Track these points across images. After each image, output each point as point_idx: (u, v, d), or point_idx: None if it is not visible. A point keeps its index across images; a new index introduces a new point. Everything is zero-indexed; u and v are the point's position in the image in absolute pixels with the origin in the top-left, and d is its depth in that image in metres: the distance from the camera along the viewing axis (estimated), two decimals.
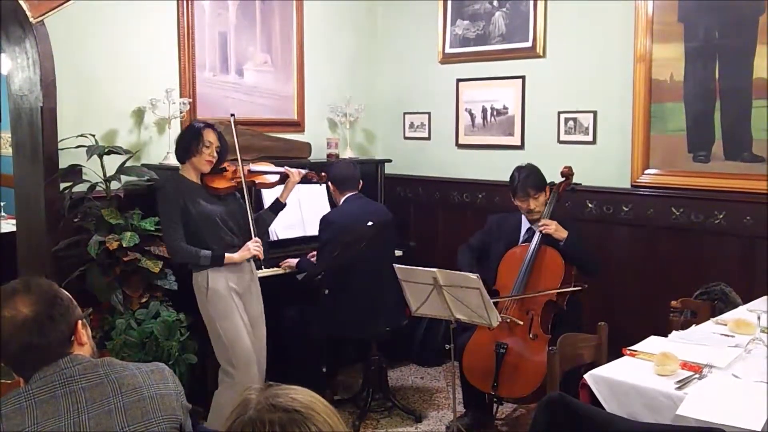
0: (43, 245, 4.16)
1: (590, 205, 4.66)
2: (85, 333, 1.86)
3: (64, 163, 4.16)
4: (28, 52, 4.12)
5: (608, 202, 4.59)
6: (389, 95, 5.78)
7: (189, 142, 3.73)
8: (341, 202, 4.30)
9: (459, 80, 5.34)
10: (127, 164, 4.25)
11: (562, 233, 3.89)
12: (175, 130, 4.59)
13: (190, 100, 4.68)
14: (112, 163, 4.20)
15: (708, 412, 2.30)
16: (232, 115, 4.06)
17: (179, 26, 4.68)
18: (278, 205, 4.04)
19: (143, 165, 4.45)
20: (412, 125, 5.68)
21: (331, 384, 4.56)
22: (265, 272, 4.28)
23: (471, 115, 5.30)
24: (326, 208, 4.56)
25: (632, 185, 4.50)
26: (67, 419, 1.70)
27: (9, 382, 2.22)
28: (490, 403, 4.12)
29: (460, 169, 5.37)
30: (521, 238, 4.12)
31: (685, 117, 4.29)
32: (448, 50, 5.38)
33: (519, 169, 4.09)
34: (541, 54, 4.87)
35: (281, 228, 4.57)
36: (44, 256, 4.15)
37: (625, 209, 4.53)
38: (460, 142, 5.38)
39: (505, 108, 5.11)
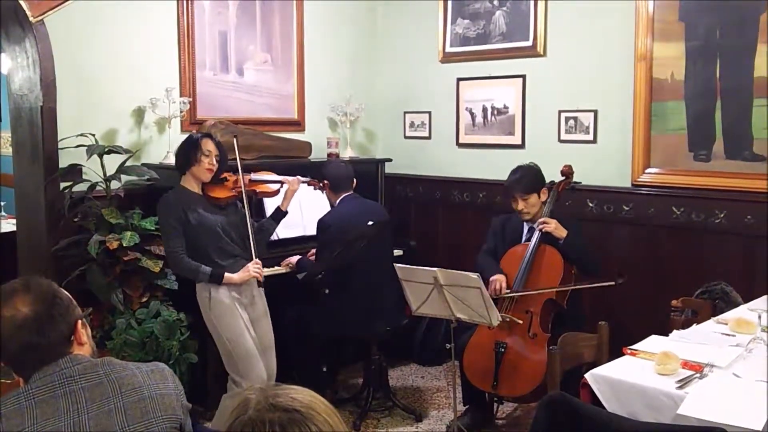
0: (44, 245, 4.16)
1: (591, 204, 4.66)
2: (84, 333, 1.85)
3: (64, 162, 4.16)
4: (28, 52, 4.12)
5: (609, 201, 4.59)
6: (390, 94, 5.77)
7: (187, 152, 3.72)
8: (337, 203, 4.29)
9: (459, 79, 5.33)
10: (127, 164, 4.25)
11: (561, 232, 3.88)
12: (175, 129, 4.60)
13: (190, 99, 4.67)
14: (112, 162, 4.20)
15: (709, 412, 2.29)
16: (235, 136, 4.02)
17: (179, 25, 4.67)
18: (279, 214, 4.02)
19: (143, 164, 4.45)
20: (412, 124, 5.68)
21: (331, 383, 4.56)
22: (266, 272, 4.28)
23: (471, 114, 5.29)
24: (326, 208, 4.55)
25: (633, 184, 4.50)
26: (66, 419, 1.69)
27: (9, 381, 2.22)
28: (490, 403, 4.12)
29: (461, 168, 5.37)
30: (523, 238, 4.11)
31: (685, 116, 4.28)
32: (448, 49, 5.38)
33: (516, 169, 4.08)
34: (542, 53, 4.87)
35: (281, 227, 4.54)
36: (44, 255, 4.15)
37: (626, 208, 4.53)
38: (461, 141, 5.38)
39: (505, 107, 5.10)
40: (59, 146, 4.16)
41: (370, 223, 4.13)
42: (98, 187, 4.15)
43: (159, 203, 3.73)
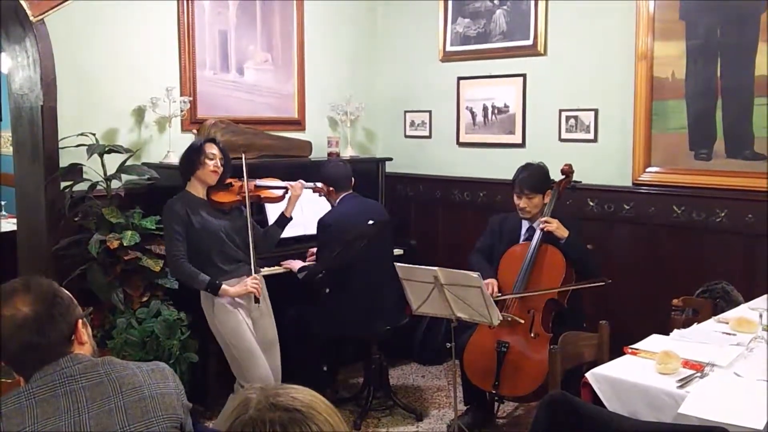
0: (44, 244, 4.16)
1: (591, 204, 4.66)
2: (85, 332, 1.85)
3: (64, 162, 4.16)
4: (29, 51, 4.12)
5: (609, 200, 4.59)
6: (390, 93, 5.77)
7: (191, 157, 3.74)
8: (337, 203, 4.29)
9: (460, 78, 5.33)
10: (128, 163, 4.25)
11: (563, 232, 3.88)
12: (175, 128, 4.60)
13: (191, 98, 4.67)
14: (113, 161, 4.20)
15: (710, 411, 2.29)
16: (244, 151, 4.02)
17: (180, 25, 4.67)
18: (284, 220, 4.02)
19: (144, 164, 4.45)
20: (412, 123, 5.67)
21: (332, 383, 4.56)
22: (267, 271, 4.28)
23: (472, 113, 5.29)
24: (326, 207, 4.56)
25: (633, 183, 4.50)
26: (67, 418, 1.69)
27: (9, 381, 2.22)
28: (491, 402, 4.12)
29: (461, 167, 5.36)
30: (521, 238, 4.11)
31: (686, 115, 4.28)
32: (448, 48, 5.37)
33: (525, 165, 4.07)
34: (542, 52, 4.86)
35: None
36: (45, 255, 4.15)
37: (627, 207, 4.53)
38: (461, 140, 5.38)
39: (506, 106, 5.10)
40: (60, 146, 4.16)
41: (371, 222, 4.13)
42: (99, 187, 4.15)
43: (164, 208, 3.74)
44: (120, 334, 3.92)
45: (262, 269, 4.01)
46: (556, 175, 4.14)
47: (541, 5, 4.82)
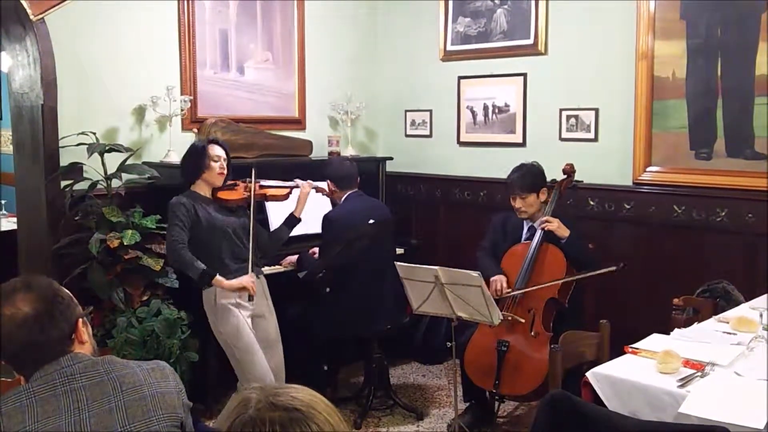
0: (44, 243, 4.16)
1: (592, 203, 4.66)
2: (85, 331, 1.85)
3: (65, 161, 4.16)
4: (29, 50, 4.12)
5: (610, 199, 4.59)
6: (390, 93, 5.77)
7: (196, 161, 3.76)
8: (342, 200, 4.29)
9: (460, 78, 5.33)
10: (128, 162, 4.25)
11: (564, 232, 3.88)
12: (176, 128, 4.60)
13: (191, 97, 4.67)
14: (113, 161, 4.20)
15: (710, 410, 2.29)
16: (251, 168, 3.97)
17: (180, 24, 4.67)
18: (293, 220, 4.03)
19: (144, 163, 4.45)
20: (413, 123, 5.67)
21: (332, 382, 4.56)
22: (268, 270, 4.28)
23: (472, 112, 5.29)
24: (327, 206, 4.56)
25: (634, 183, 4.50)
26: (67, 417, 1.69)
27: (9, 380, 2.22)
28: (491, 401, 4.12)
29: (462, 166, 5.36)
30: (523, 237, 4.11)
31: (687, 114, 4.28)
32: (449, 48, 5.37)
33: (518, 167, 4.08)
34: (543, 51, 4.86)
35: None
36: (45, 254, 4.15)
37: (627, 207, 4.53)
38: (462, 139, 5.37)
39: (506, 105, 5.10)
40: (60, 145, 4.16)
41: (371, 221, 4.13)
42: (99, 186, 4.15)
43: (170, 202, 3.74)
44: (120, 333, 3.92)
45: (263, 269, 3.98)
46: (556, 175, 4.14)
47: (542, 5, 4.82)
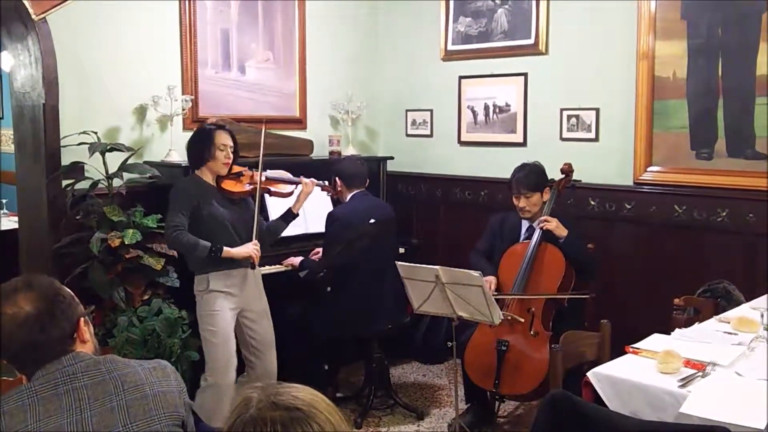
0: (45, 242, 4.16)
1: (592, 203, 4.66)
2: (87, 330, 1.85)
3: (66, 160, 4.16)
4: (31, 50, 4.12)
5: (610, 199, 4.59)
6: (391, 92, 5.77)
7: (201, 148, 3.71)
8: (348, 199, 4.29)
9: (461, 77, 5.33)
10: (129, 161, 4.25)
11: (562, 231, 3.88)
12: (177, 127, 4.60)
13: (192, 97, 4.67)
14: (114, 160, 4.20)
15: (711, 410, 2.29)
16: (264, 123, 3.97)
17: (181, 23, 4.67)
18: (290, 216, 3.99)
19: (145, 162, 4.45)
20: (414, 122, 5.67)
21: (332, 382, 4.56)
22: (268, 269, 4.28)
23: (473, 112, 5.29)
24: (329, 206, 4.56)
25: (635, 182, 4.50)
26: (69, 416, 1.69)
27: (11, 379, 2.22)
28: (492, 401, 4.12)
29: (462, 166, 5.37)
30: (522, 237, 4.11)
31: (687, 114, 4.28)
32: (450, 47, 5.37)
33: (521, 166, 4.09)
34: (544, 51, 4.86)
35: None
36: (46, 253, 4.15)
37: (628, 207, 4.53)
38: (463, 139, 5.38)
39: (507, 105, 5.10)
40: (61, 144, 4.16)
41: (372, 221, 4.13)
42: (100, 185, 4.16)
43: (175, 186, 3.73)
44: (121, 332, 3.92)
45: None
46: (557, 174, 4.14)
47: (543, 4, 4.82)
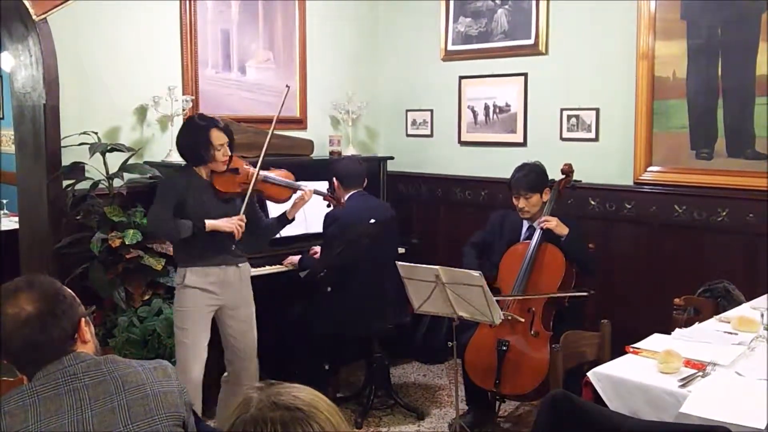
0: (46, 243, 4.17)
1: (593, 203, 4.66)
2: (88, 330, 1.85)
3: (66, 160, 4.16)
4: (31, 50, 4.13)
5: (611, 199, 4.59)
6: (391, 92, 5.77)
7: (198, 149, 3.53)
8: (345, 199, 4.29)
9: (461, 77, 5.33)
10: (130, 162, 4.26)
11: (563, 229, 3.89)
12: (177, 127, 4.56)
13: (193, 97, 4.68)
14: (115, 160, 4.21)
15: (711, 410, 2.29)
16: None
17: (182, 24, 4.68)
18: (284, 220, 3.84)
19: (146, 162, 4.45)
20: (414, 122, 5.68)
21: (333, 382, 4.57)
22: (268, 270, 4.28)
23: (473, 112, 5.29)
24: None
25: (635, 182, 4.50)
26: (70, 416, 1.70)
27: (11, 379, 2.22)
28: (492, 401, 4.12)
29: (463, 166, 5.37)
30: (522, 236, 4.11)
31: (687, 114, 4.28)
32: (450, 47, 5.38)
33: (521, 166, 4.09)
34: (544, 51, 4.87)
35: None
36: (47, 253, 4.15)
37: (628, 206, 4.53)
38: (463, 139, 5.38)
39: (507, 105, 5.10)
40: (62, 144, 4.16)
41: (372, 221, 4.13)
42: (101, 185, 4.16)
43: (164, 179, 3.65)
44: (121, 332, 3.93)
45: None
46: (557, 175, 4.14)
47: (543, 4, 4.83)
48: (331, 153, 5.26)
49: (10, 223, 5.49)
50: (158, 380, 1.84)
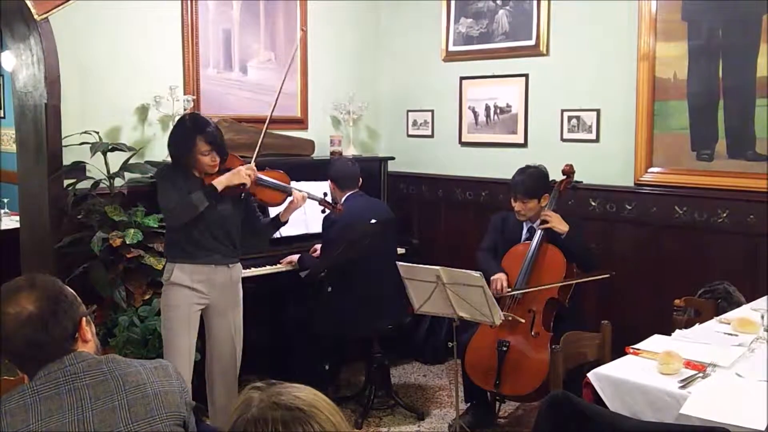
0: (47, 242, 4.17)
1: (593, 204, 4.66)
2: (89, 330, 1.86)
3: (68, 159, 4.16)
4: (33, 50, 4.13)
5: (611, 200, 4.59)
6: (392, 93, 5.78)
7: (185, 156, 3.46)
8: (342, 201, 4.29)
9: (462, 78, 5.33)
10: (131, 161, 4.26)
11: (563, 226, 3.89)
12: None
13: (194, 97, 4.68)
14: (116, 160, 4.21)
15: (711, 411, 2.29)
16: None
17: (183, 23, 4.68)
18: (278, 223, 3.78)
19: (147, 162, 4.45)
20: (415, 123, 5.68)
21: (333, 382, 4.57)
22: (268, 270, 4.28)
23: (474, 113, 5.30)
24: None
25: (635, 183, 4.50)
26: (71, 416, 1.70)
27: (12, 378, 2.22)
28: (492, 401, 4.13)
29: (463, 166, 5.37)
30: (523, 237, 4.12)
31: (688, 115, 4.28)
32: (451, 48, 5.38)
33: (523, 168, 4.08)
34: (545, 52, 4.87)
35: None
36: (47, 252, 4.15)
37: (628, 207, 4.53)
38: (464, 139, 5.38)
39: (508, 106, 5.10)
40: (63, 143, 4.16)
41: (373, 221, 4.14)
42: (102, 185, 4.16)
43: (161, 168, 3.59)
44: (122, 332, 3.93)
45: (263, 268, 3.76)
46: (557, 175, 4.14)
47: (544, 5, 4.83)
48: (332, 153, 5.25)
49: (11, 222, 5.50)
50: (159, 380, 1.84)
